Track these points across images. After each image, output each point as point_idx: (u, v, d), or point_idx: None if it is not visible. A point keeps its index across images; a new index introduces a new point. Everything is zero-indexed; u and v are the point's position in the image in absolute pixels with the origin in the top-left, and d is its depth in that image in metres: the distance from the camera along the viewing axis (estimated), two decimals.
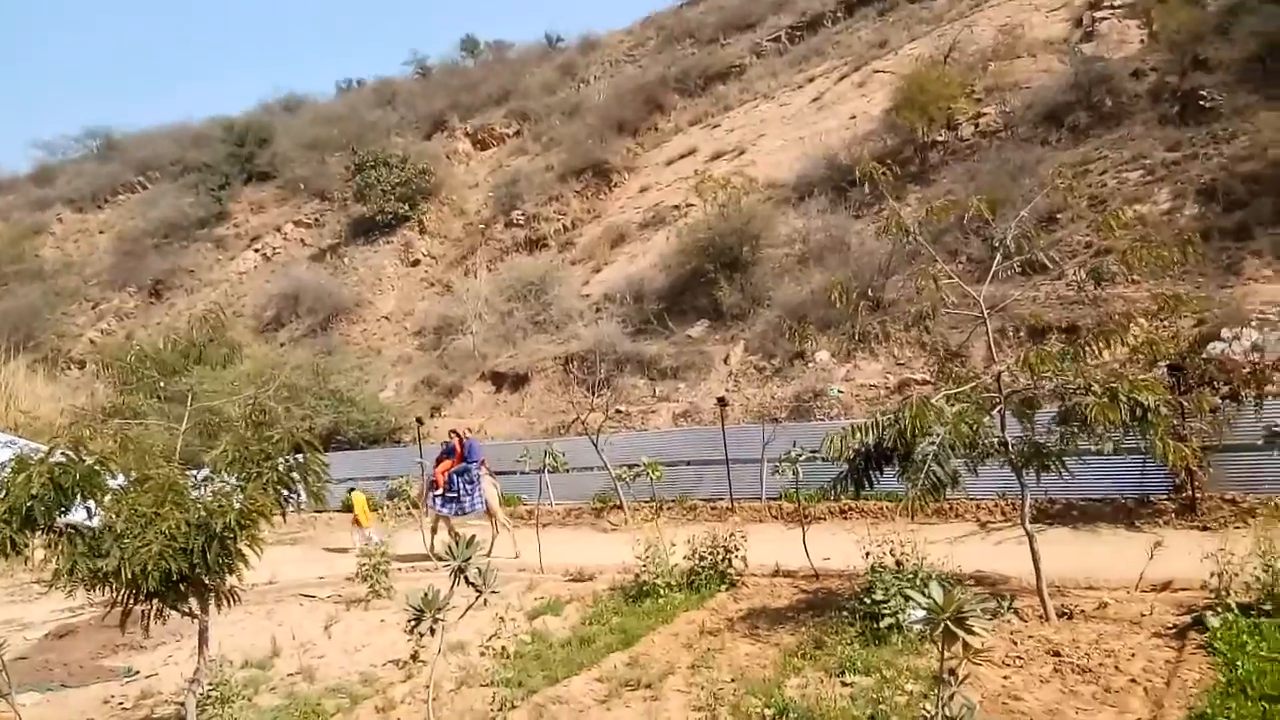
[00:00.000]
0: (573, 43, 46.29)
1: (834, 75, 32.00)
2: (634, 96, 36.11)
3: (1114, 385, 8.70)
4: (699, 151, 31.71)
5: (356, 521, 17.24)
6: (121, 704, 10.13)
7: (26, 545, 8.40)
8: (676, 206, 28.50)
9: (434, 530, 15.71)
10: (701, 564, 11.57)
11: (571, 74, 42.51)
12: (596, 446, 17.19)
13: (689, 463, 17.65)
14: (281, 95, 51.81)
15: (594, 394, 20.39)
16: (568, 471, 16.46)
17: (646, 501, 17.11)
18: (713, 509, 16.63)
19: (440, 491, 15.23)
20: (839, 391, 18.09)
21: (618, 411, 20.61)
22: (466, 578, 8.03)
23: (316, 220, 39.07)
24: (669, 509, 16.84)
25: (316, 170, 39.92)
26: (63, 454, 8.24)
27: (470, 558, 8.13)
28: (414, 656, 10.06)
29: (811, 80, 32.67)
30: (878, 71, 30.01)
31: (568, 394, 22.66)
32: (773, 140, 29.73)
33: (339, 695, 9.36)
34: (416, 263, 34.48)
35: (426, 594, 7.94)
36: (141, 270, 39.58)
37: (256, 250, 38.93)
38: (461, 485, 15.14)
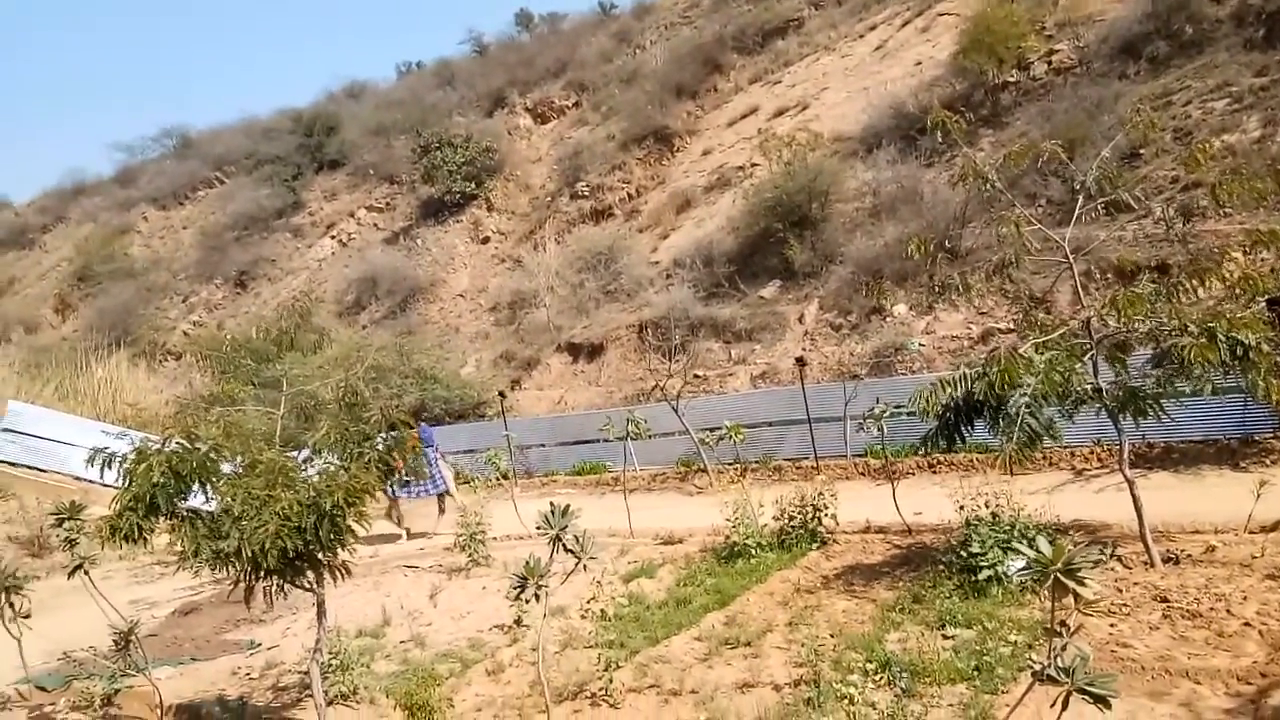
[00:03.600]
0: (626, 9, 45.87)
1: (896, 22, 31.13)
2: (691, 58, 35.70)
3: (1211, 325, 8.45)
4: (761, 110, 31.28)
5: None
6: (249, 674, 10.75)
7: (152, 531, 8.99)
8: (741, 167, 28.26)
9: (389, 514, 16.51)
10: (791, 523, 11.67)
11: (627, 41, 42.19)
12: (677, 411, 17.35)
13: (770, 424, 17.69)
14: (344, 83, 52.73)
15: (670, 360, 20.52)
16: (650, 438, 16.66)
17: (730, 464, 17.26)
18: (798, 469, 16.68)
19: (397, 477, 15.77)
20: (920, 345, 17.87)
21: (695, 376, 20.73)
22: (564, 544, 8.31)
23: (388, 204, 39.85)
24: (753, 470, 16.95)
25: (384, 155, 40.64)
26: (178, 443, 8.75)
27: (566, 526, 8.41)
28: (517, 621, 10.47)
29: (873, 28, 31.84)
30: (942, 15, 29.10)
31: (644, 361, 22.84)
32: (836, 93, 29.16)
33: (450, 660, 9.78)
34: (486, 240, 34.96)
35: (529, 561, 8.25)
36: (226, 262, 40.99)
37: (333, 237, 39.94)
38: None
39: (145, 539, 9.01)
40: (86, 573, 10.68)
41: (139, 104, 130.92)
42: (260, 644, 11.80)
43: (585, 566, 8.54)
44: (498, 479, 16.68)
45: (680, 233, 27.77)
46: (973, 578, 8.73)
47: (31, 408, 23.81)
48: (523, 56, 44.82)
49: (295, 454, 10.15)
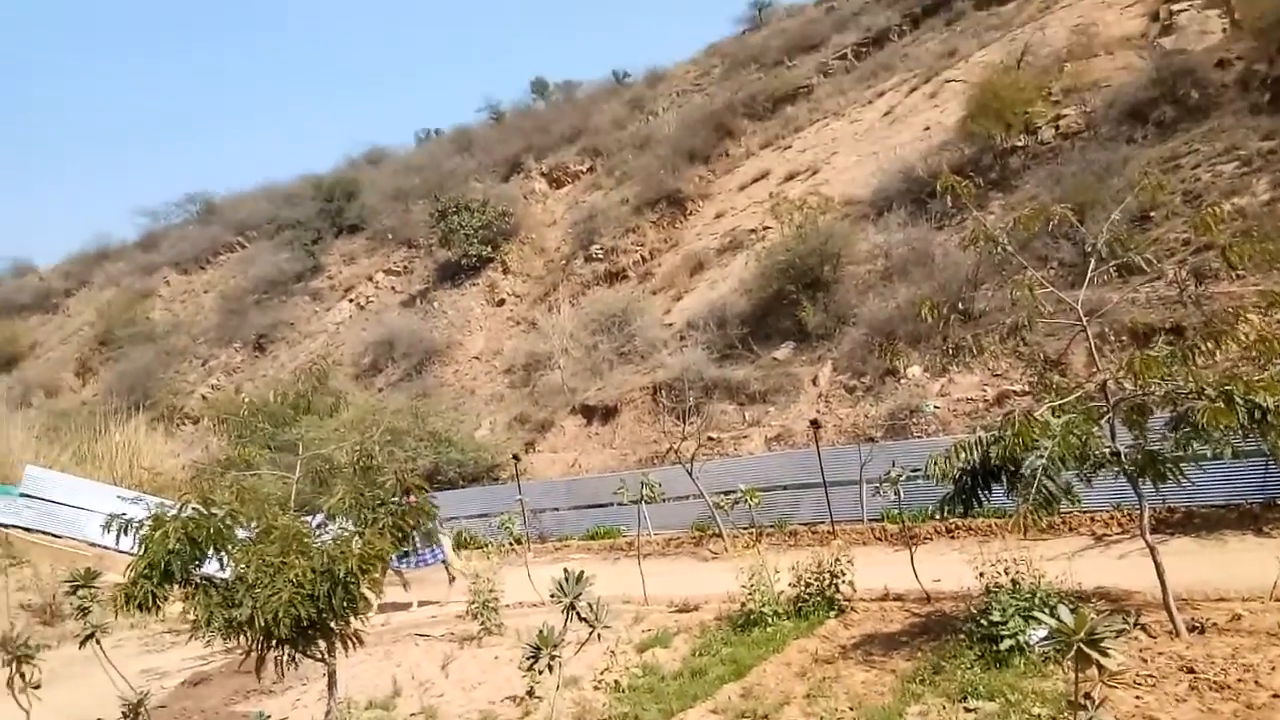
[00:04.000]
0: (639, 77, 47.02)
1: (904, 88, 31.70)
2: (703, 124, 36.41)
3: (1228, 387, 8.41)
4: (772, 174, 31.74)
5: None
6: None
7: (166, 598, 8.96)
8: (753, 230, 28.56)
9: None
10: (808, 590, 11.50)
11: (640, 107, 43.10)
12: (691, 475, 17.26)
13: (785, 487, 17.56)
14: (365, 149, 54.02)
15: (684, 422, 20.50)
16: (664, 501, 16.56)
17: (745, 528, 17.11)
18: (813, 533, 16.49)
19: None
20: (935, 408, 17.80)
21: (709, 438, 20.67)
22: (579, 613, 8.22)
23: (405, 268, 40.40)
24: (769, 535, 16.78)
25: (402, 219, 41.36)
26: (194, 509, 8.77)
27: (580, 593, 8.33)
28: (530, 693, 10.28)
29: (881, 95, 32.42)
30: (949, 81, 29.62)
31: (658, 423, 22.81)
32: (846, 157, 29.58)
33: None
34: (502, 302, 35.29)
35: (542, 631, 8.14)
36: (245, 326, 41.51)
37: (351, 300, 40.43)
38: (417, 539, 15.58)
39: (159, 607, 9.02)
40: (98, 642, 10.65)
41: (164, 171, 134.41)
42: (269, 716, 11.59)
43: (600, 636, 8.45)
44: (511, 544, 16.57)
45: (693, 295, 27.97)
46: (994, 647, 8.56)
47: (49, 473, 23.86)
48: (538, 123, 45.84)
49: (310, 519, 10.17)
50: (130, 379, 39.20)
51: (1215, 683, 7.33)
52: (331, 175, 49.32)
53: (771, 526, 17.08)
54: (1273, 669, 7.41)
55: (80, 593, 11.72)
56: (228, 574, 8.96)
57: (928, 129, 27.58)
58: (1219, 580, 9.93)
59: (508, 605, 14.11)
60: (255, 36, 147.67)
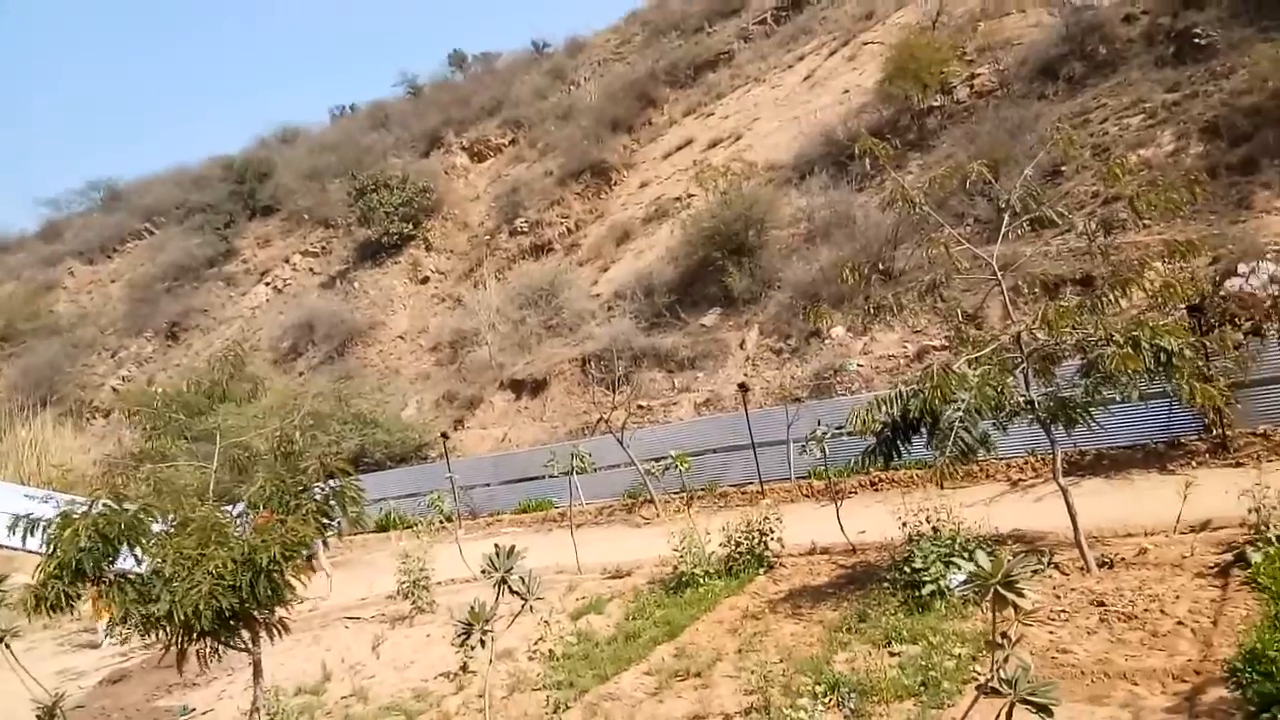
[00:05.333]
0: (559, 47, 46.31)
1: (823, 52, 31.87)
2: (625, 93, 36.11)
3: (1135, 334, 8.68)
4: (695, 141, 31.68)
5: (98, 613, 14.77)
6: None
7: (79, 597, 8.60)
8: (678, 198, 28.52)
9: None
10: (738, 549, 11.62)
11: (561, 78, 42.53)
12: (622, 444, 17.25)
13: (715, 450, 17.69)
14: (277, 128, 52.21)
15: (614, 392, 20.44)
16: (595, 471, 16.53)
17: (677, 493, 17.20)
18: (743, 494, 16.67)
19: None
20: (858, 366, 18.07)
21: (639, 407, 20.67)
22: (510, 586, 8.13)
23: (323, 248, 39.35)
24: (700, 498, 16.91)
25: (318, 199, 40.20)
26: (105, 505, 8.41)
27: (511, 567, 8.24)
28: (463, 668, 10.19)
29: (801, 59, 32.55)
30: (867, 44, 29.87)
31: (588, 395, 22.73)
32: (768, 123, 29.67)
33: (394, 713, 9.47)
34: (426, 280, 34.65)
35: (473, 607, 8.04)
36: (156, 315, 40.02)
37: (267, 284, 39.26)
38: None
39: (72, 606, 8.65)
40: (8, 646, 10.18)
41: (65, 158, 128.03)
42: (194, 709, 11.33)
43: (532, 607, 8.37)
44: (441, 522, 16.37)
45: (620, 265, 27.85)
46: (916, 593, 8.75)
47: None
48: (457, 96, 44.90)
49: (230, 509, 9.84)
50: (35, 374, 37.50)
51: (1123, 614, 7.61)
52: (243, 156, 47.60)
53: (702, 490, 17.21)
54: (1176, 598, 7.72)
55: None
56: (143, 568, 8.64)
57: (847, 92, 27.80)
58: (1127, 517, 10.31)
59: (439, 583, 13.95)
60: (158, 13, 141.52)
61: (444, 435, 22.34)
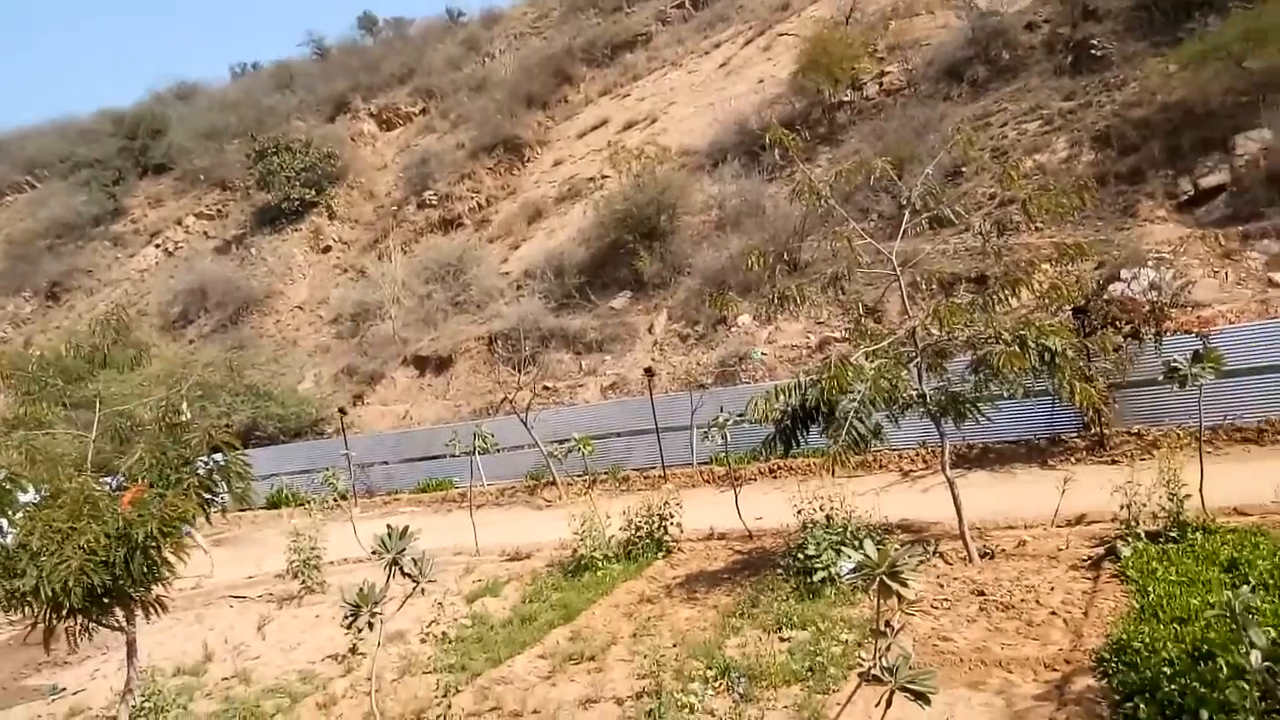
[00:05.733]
0: (475, 17, 45.45)
1: (739, 40, 32.09)
2: (541, 69, 35.66)
3: (1022, 333, 9.02)
4: (611, 122, 31.54)
5: None
6: None
7: None
8: (592, 179, 28.36)
9: None
10: (637, 534, 11.67)
11: (476, 49, 41.70)
12: (526, 424, 17.13)
13: (619, 434, 17.73)
14: (173, 83, 49.73)
15: (520, 372, 20.27)
16: (498, 452, 16.33)
17: (579, 476, 17.18)
18: (645, 478, 16.77)
19: None
20: (762, 354, 18.35)
21: (545, 388, 20.55)
22: (402, 568, 7.97)
23: (219, 211, 37.72)
24: (602, 482, 16.94)
25: (215, 159, 38.48)
26: None
27: (404, 549, 8.08)
28: (352, 650, 9.94)
29: (718, 46, 32.71)
30: (782, 35, 30.22)
31: (493, 374, 22.49)
32: (684, 108, 29.74)
33: (278, 695, 9.19)
34: (328, 249, 33.61)
35: (362, 588, 7.85)
36: (36, 274, 37.75)
37: (157, 246, 37.43)
38: None
39: None
40: None
41: None
42: (64, 689, 10.78)
43: (424, 590, 8.23)
44: (336, 500, 15.95)
45: (531, 243, 27.57)
46: (808, 580, 8.95)
47: None
48: (367, 61, 43.57)
49: (109, 480, 9.35)
50: None
51: (1001, 603, 7.94)
52: (135, 110, 45.08)
53: (605, 473, 17.24)
54: (1051, 589, 8.10)
55: None
56: (8, 540, 8.14)
57: (761, 82, 28.08)
58: (1009, 510, 10.77)
59: (331, 562, 13.61)
60: None
61: (342, 410, 21.78)
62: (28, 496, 8.43)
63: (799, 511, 10.07)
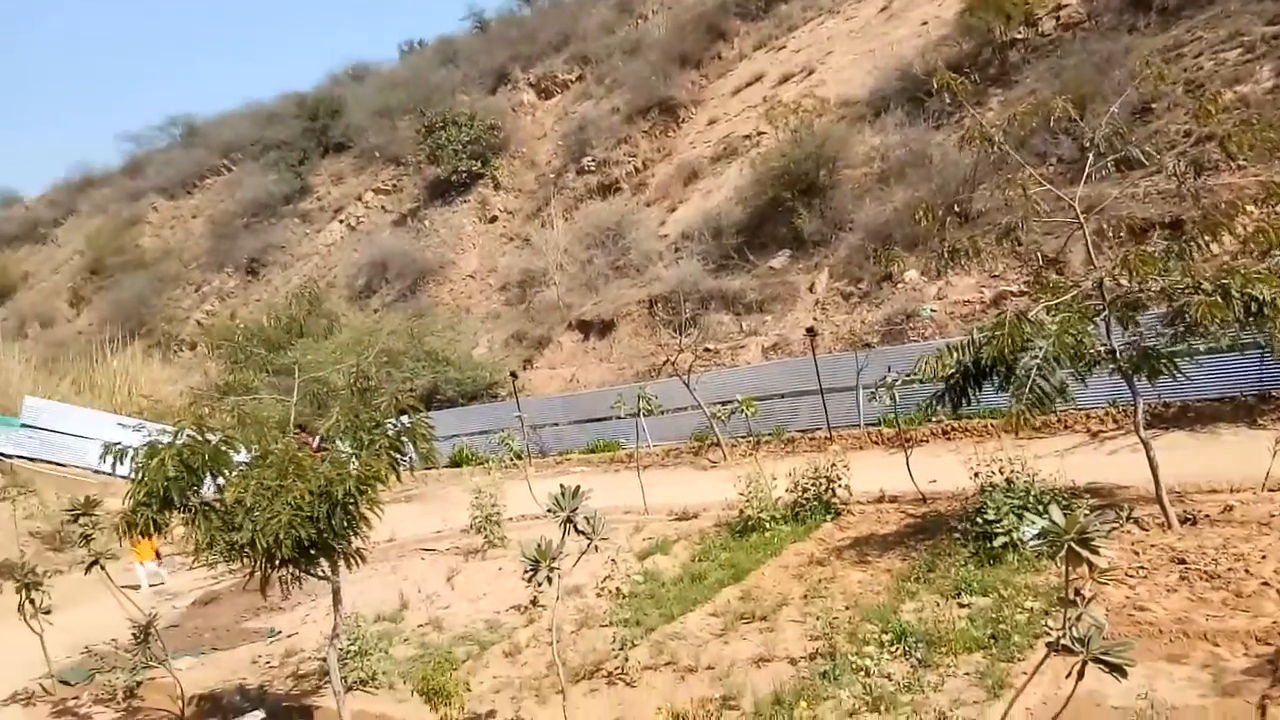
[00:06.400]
0: None
1: None
2: (694, 26, 35.26)
3: (1225, 281, 8.30)
4: (766, 77, 30.89)
5: (137, 554, 15.43)
6: (269, 662, 10.87)
7: (167, 524, 9.04)
8: (748, 136, 27.97)
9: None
10: (804, 495, 11.62)
11: (629, 11, 41.67)
12: (689, 386, 17.27)
13: (783, 395, 17.63)
14: (348, 65, 52.40)
15: (681, 334, 20.42)
16: (662, 414, 16.66)
17: (743, 437, 17.21)
18: (811, 440, 16.61)
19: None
20: (932, 311, 17.70)
21: (706, 350, 20.64)
22: (576, 526, 8.30)
23: (394, 186, 39.75)
24: (766, 443, 16.92)
25: (389, 136, 40.47)
26: (189, 435, 8.78)
27: (577, 507, 8.40)
28: (533, 602, 10.48)
29: None
30: None
31: (655, 336, 22.76)
32: (842, 56, 28.73)
33: (468, 642, 9.83)
34: (494, 219, 34.83)
35: (540, 544, 8.24)
36: (236, 250, 41.11)
37: (341, 221, 39.93)
38: None
39: (161, 532, 9.12)
40: (102, 567, 10.79)
41: (144, 93, 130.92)
42: (280, 632, 11.91)
43: (597, 547, 8.55)
44: (512, 459, 16.70)
45: (688, 205, 27.57)
46: (988, 545, 8.67)
47: (48, 403, 24.05)
48: (524, 31, 44.41)
49: (313, 438, 10.20)
50: (125, 307, 39.03)
51: (1205, 573, 7.43)
52: (315, 93, 48.04)
53: (769, 435, 17.20)
54: (1263, 558, 7.50)
55: (81, 520, 11.84)
56: (209, 493, 8.97)
57: (925, 24, 26.71)
58: (1212, 472, 10.00)
59: (510, 519, 14.30)
60: None
61: (513, 374, 22.69)
62: (240, 456, 9.30)
63: (976, 474, 9.75)
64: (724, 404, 16.50)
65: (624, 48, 37.81)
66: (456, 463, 21.79)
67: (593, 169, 32.92)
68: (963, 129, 19.22)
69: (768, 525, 11.24)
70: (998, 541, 8.62)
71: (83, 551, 14.31)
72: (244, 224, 42.11)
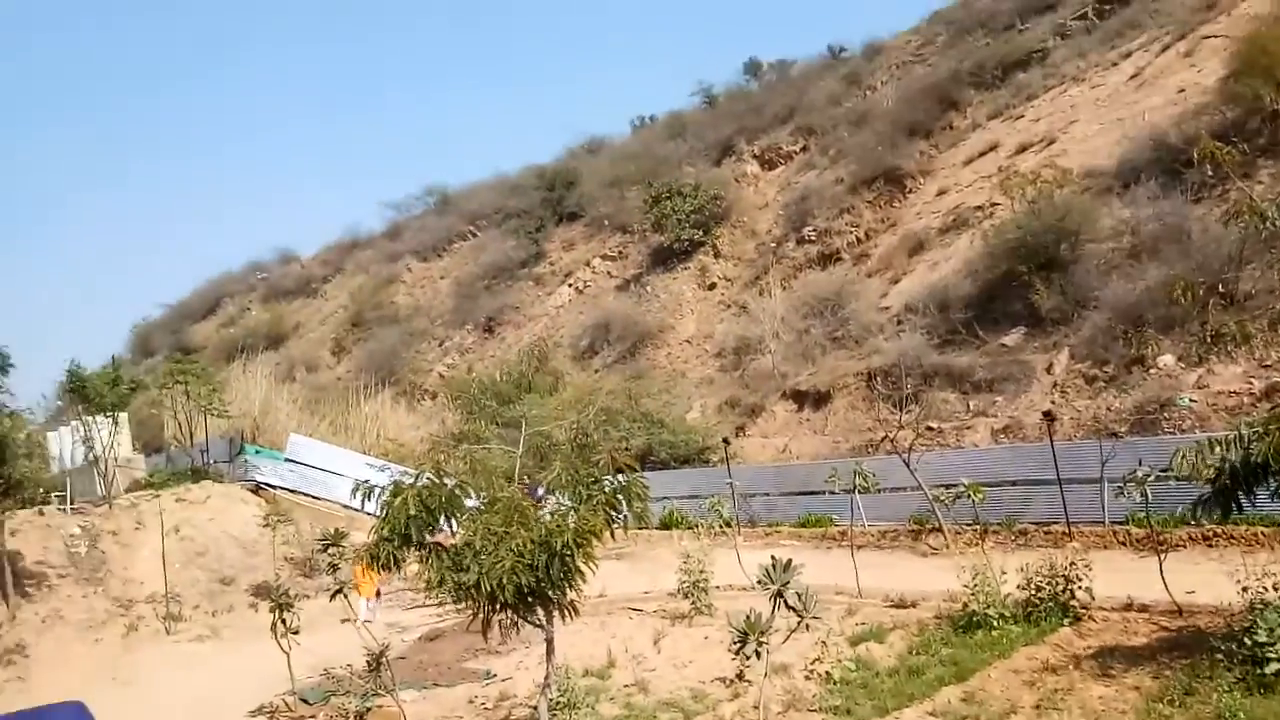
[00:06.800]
0: (856, 51, 45.41)
1: (1154, 47, 28.68)
2: (925, 96, 34.70)
3: None
4: (1001, 146, 29.75)
5: (358, 589, 16.02)
6: (484, 704, 11.35)
7: (404, 560, 9.77)
8: (979, 207, 26.95)
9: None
10: (1038, 594, 10.74)
11: (857, 83, 41.73)
12: (909, 466, 16.59)
13: (1014, 483, 16.53)
14: (583, 139, 55.71)
15: (901, 410, 19.72)
16: (879, 492, 16.04)
17: (968, 525, 16.24)
18: (1046, 534, 15.40)
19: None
20: (1191, 401, 16.08)
21: (928, 428, 19.81)
22: (786, 601, 8.14)
23: (620, 252, 41.52)
24: (994, 533, 15.86)
25: (617, 206, 42.51)
26: (428, 478, 9.49)
27: (789, 581, 8.24)
28: (739, 676, 10.36)
29: (1127, 56, 29.49)
30: (1208, 37, 26.48)
31: (873, 411, 22.11)
32: (1086, 125, 27.20)
33: (672, 709, 9.82)
34: (713, 286, 35.48)
35: (749, 616, 8.13)
36: (476, 309, 44.36)
37: (570, 285, 42.13)
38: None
39: (399, 567, 9.87)
40: (345, 596, 11.76)
41: (406, 164, 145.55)
42: (495, 675, 12.43)
43: (808, 625, 8.34)
44: (720, 527, 16.68)
45: (912, 277, 26.84)
46: (1258, 671, 7.64)
47: (309, 440, 26.74)
48: (751, 104, 45.49)
49: (540, 489, 10.74)
50: (378, 357, 42.96)
51: None
52: (553, 165, 51.42)
53: (998, 525, 16.11)
54: None
55: (330, 550, 12.98)
56: (456, 540, 9.58)
57: (1182, 91, 24.82)
58: None
59: (717, 587, 14.22)
60: (480, 30, 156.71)
61: (725, 441, 22.77)
62: (471, 502, 9.91)
63: (1244, 589, 8.64)
64: (947, 487, 15.68)
65: (850, 118, 37.81)
66: (666, 525, 22.04)
67: (813, 238, 32.88)
68: (1227, 202, 17.59)
69: (995, 623, 10.48)
70: (1270, 668, 7.58)
71: (328, 579, 15.75)
72: (484, 285, 45.43)
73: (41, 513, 20.52)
